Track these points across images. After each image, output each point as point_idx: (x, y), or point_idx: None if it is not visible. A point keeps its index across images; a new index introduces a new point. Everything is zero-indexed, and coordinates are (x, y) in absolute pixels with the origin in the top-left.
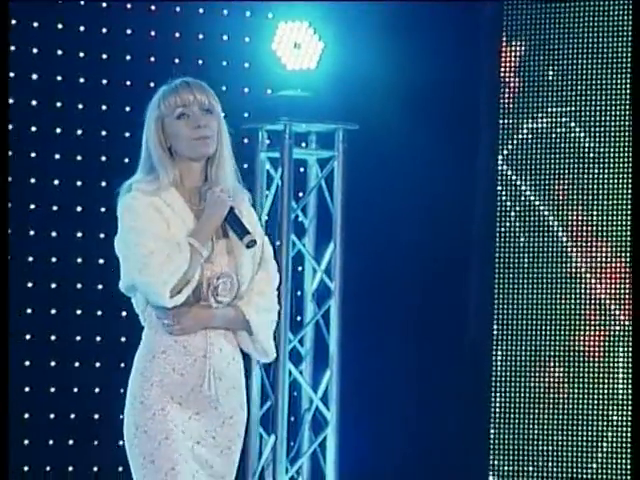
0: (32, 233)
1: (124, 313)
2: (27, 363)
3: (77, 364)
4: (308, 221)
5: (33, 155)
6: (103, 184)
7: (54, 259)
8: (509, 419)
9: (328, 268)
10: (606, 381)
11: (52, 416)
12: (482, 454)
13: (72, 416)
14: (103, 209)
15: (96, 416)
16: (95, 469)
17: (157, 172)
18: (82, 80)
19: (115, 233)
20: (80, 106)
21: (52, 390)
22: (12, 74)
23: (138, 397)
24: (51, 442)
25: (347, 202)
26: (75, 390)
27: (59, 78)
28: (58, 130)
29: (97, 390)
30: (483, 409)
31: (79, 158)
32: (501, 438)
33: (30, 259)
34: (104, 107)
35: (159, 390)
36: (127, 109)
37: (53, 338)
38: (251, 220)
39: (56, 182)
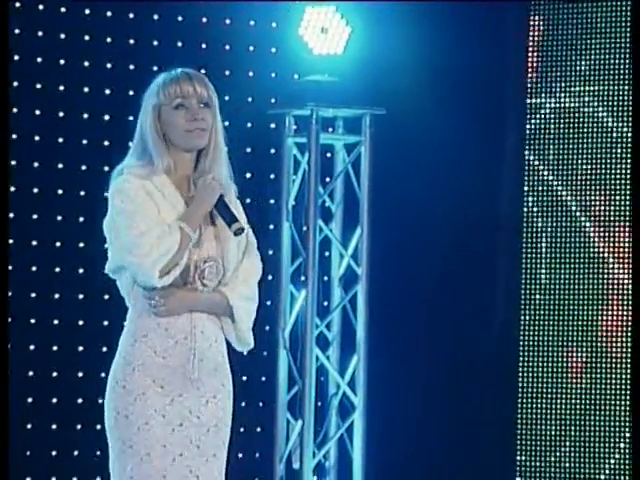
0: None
1: None
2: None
3: (81, 348)
4: (335, 206)
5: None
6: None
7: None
8: (536, 407)
9: (355, 253)
10: (627, 367)
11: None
12: (509, 434)
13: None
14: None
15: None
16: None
17: (149, 157)
18: (109, 65)
19: None
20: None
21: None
22: (16, 57)
23: (120, 381)
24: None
25: (374, 187)
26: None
27: (62, 62)
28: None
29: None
30: (510, 395)
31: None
32: (527, 424)
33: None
34: (131, 92)
35: (141, 374)
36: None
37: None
38: (238, 211)
39: (60, 166)
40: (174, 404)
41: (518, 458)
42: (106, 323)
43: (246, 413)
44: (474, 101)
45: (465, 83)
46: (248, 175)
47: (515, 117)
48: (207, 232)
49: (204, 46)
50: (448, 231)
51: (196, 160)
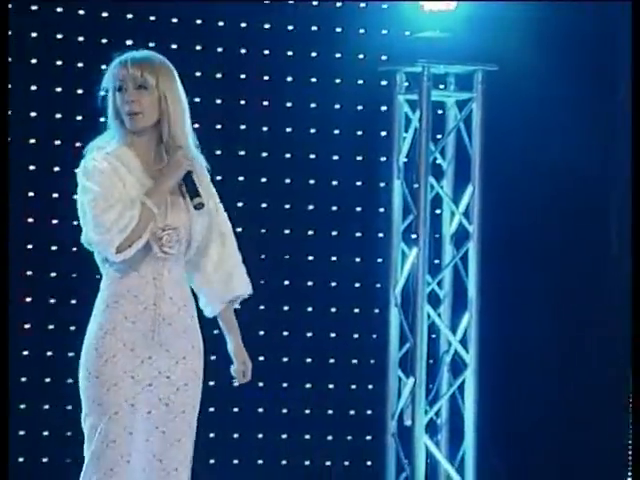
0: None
1: None
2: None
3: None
4: (446, 163)
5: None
6: None
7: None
8: None
9: (466, 211)
10: None
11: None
12: (623, 387)
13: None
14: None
15: None
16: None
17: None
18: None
19: None
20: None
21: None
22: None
23: (93, 344)
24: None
25: (485, 144)
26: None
27: (59, 62)
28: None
29: None
30: (623, 351)
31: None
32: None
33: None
34: None
35: (112, 338)
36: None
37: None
38: (203, 186)
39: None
40: (144, 365)
41: (631, 405)
42: None
43: (358, 370)
44: (585, 56)
45: (577, 38)
46: (359, 133)
47: (628, 71)
48: (176, 202)
49: (315, 3)
50: (559, 186)
51: (158, 133)
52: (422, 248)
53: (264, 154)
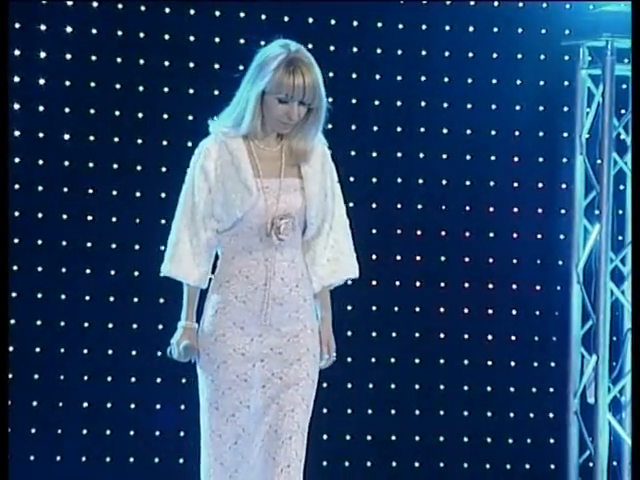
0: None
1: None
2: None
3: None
4: (630, 139)
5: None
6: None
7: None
8: None
9: None
10: None
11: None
12: None
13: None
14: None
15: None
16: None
17: (239, 118)
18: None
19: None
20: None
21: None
22: (17, 52)
23: (203, 323)
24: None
25: None
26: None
27: (68, 56)
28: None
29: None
30: None
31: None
32: None
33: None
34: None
35: (222, 317)
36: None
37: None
38: (319, 172)
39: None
40: (253, 343)
41: None
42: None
43: (540, 348)
44: None
45: None
46: (541, 108)
47: None
48: (290, 185)
49: None
50: None
51: None
52: (605, 225)
53: (445, 130)
